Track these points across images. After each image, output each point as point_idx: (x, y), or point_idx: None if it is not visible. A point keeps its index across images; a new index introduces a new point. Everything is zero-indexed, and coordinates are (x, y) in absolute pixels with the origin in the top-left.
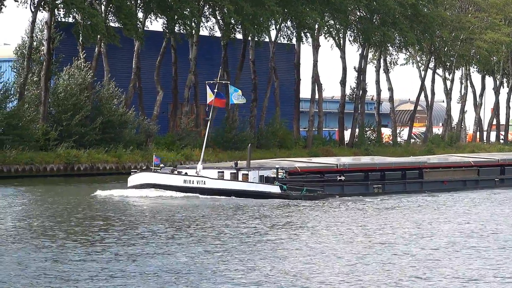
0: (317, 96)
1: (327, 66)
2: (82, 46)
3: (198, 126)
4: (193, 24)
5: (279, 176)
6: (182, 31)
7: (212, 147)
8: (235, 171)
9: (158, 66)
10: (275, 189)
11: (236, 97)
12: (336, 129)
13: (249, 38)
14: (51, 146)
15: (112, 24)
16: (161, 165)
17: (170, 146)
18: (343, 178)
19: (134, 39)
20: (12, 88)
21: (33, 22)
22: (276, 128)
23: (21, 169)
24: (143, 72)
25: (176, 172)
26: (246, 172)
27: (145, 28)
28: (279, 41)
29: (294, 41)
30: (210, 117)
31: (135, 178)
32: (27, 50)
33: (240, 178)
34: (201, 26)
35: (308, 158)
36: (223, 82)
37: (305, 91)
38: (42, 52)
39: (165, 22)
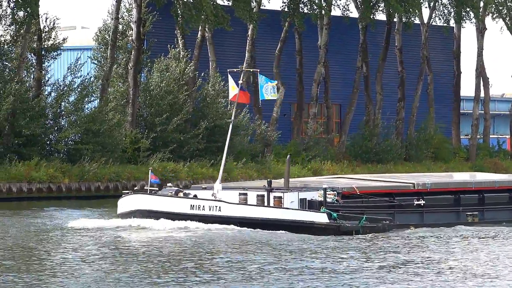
0: (482, 94)
1: (495, 55)
2: (182, 31)
3: (329, 133)
4: (322, 2)
5: (329, 200)
6: (308, 11)
7: (347, 159)
8: (264, 193)
9: (278, 56)
10: (320, 217)
11: (269, 90)
12: (507, 137)
13: (395, 20)
14: (142, 158)
15: (219, 2)
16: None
17: (293, 158)
18: (422, 202)
19: (247, 22)
20: (92, 84)
21: (119, 0)
22: (429, 135)
23: (103, 187)
24: (258, 63)
25: (181, 194)
26: (279, 195)
27: (261, 7)
28: (433, 23)
29: (452, 23)
30: (232, 117)
31: (125, 203)
32: (111, 36)
33: (271, 202)
34: (333, 5)
35: (410, 174)
36: (251, 70)
37: (467, 87)
38: (130, 38)
39: (286, 1)
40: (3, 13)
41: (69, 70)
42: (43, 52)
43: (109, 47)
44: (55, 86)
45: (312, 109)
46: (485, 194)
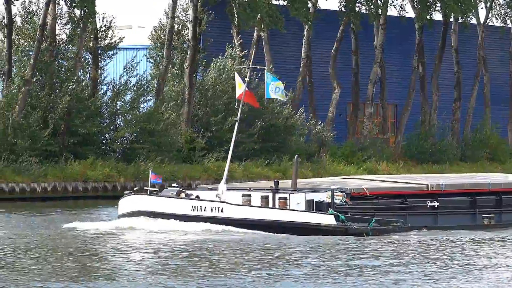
0: None
1: None
2: (238, 30)
3: (385, 133)
4: (379, 2)
5: (337, 201)
6: (365, 11)
7: (402, 159)
8: (269, 194)
9: (334, 56)
10: (327, 219)
11: (274, 89)
12: None
13: (451, 20)
14: (197, 157)
15: (275, 2)
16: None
17: (348, 158)
18: (436, 204)
19: (303, 22)
20: (148, 84)
21: None
22: (485, 135)
23: (158, 187)
24: (314, 63)
25: (183, 195)
26: (284, 196)
27: (317, 7)
28: (489, 23)
29: (509, 23)
30: (238, 116)
31: (125, 203)
32: (167, 35)
33: (276, 203)
34: (389, 5)
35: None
36: (258, 67)
37: None
38: (186, 38)
39: (343, 0)
40: (59, 12)
41: (125, 69)
42: (99, 51)
43: (165, 47)
44: (111, 85)
45: (368, 109)
46: (502, 195)
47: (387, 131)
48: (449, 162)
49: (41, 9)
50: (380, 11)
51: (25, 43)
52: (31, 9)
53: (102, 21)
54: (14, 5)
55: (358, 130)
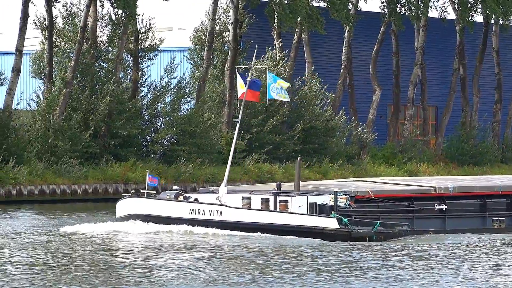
0: None
1: None
2: (278, 32)
3: (425, 135)
4: (419, 3)
5: (341, 204)
6: (405, 13)
7: (443, 161)
8: (269, 197)
9: (375, 58)
10: (329, 222)
11: (276, 90)
12: None
13: (492, 21)
14: (238, 159)
15: (315, 4)
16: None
17: (389, 160)
18: (444, 207)
19: (343, 24)
20: (188, 85)
21: (216, 0)
22: None
23: (198, 188)
24: (355, 64)
25: (182, 198)
26: (285, 199)
27: (358, 9)
28: None
29: None
30: (239, 116)
31: (122, 207)
32: (208, 37)
33: (277, 206)
34: (430, 6)
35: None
36: (260, 67)
37: None
38: (227, 39)
39: (384, 1)
40: (100, 14)
41: (165, 71)
42: (140, 53)
43: (205, 48)
44: (151, 87)
45: (409, 111)
46: None
47: (428, 133)
48: (490, 164)
49: (82, 11)
50: (421, 12)
51: (66, 45)
52: (72, 11)
53: (142, 22)
54: (55, 7)
55: (398, 132)
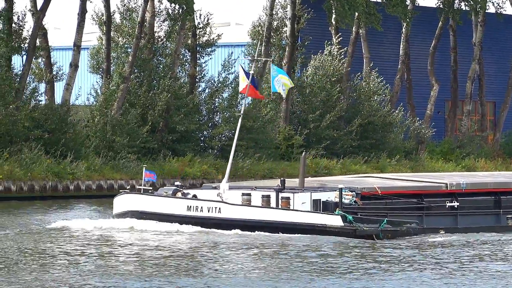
0: None
1: None
2: (336, 28)
3: (483, 130)
4: None
5: (346, 201)
6: (463, 8)
7: (501, 156)
8: (270, 193)
9: (433, 53)
10: (333, 220)
11: (279, 83)
12: None
13: None
14: (295, 154)
15: None
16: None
17: (447, 155)
18: (456, 204)
19: (401, 20)
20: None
21: None
22: None
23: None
24: (413, 60)
25: (180, 194)
26: (287, 195)
27: (415, 4)
28: None
29: None
30: (241, 111)
31: (118, 203)
32: (265, 32)
33: (279, 203)
34: (488, 1)
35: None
36: (263, 59)
37: None
38: (284, 35)
39: None
40: (158, 9)
41: (223, 67)
42: (197, 48)
43: (263, 44)
44: (209, 82)
45: (466, 106)
46: None
47: (486, 128)
48: None
49: (139, 6)
50: (479, 7)
51: (124, 40)
52: (129, 6)
53: (200, 18)
54: (113, 3)
55: (456, 127)
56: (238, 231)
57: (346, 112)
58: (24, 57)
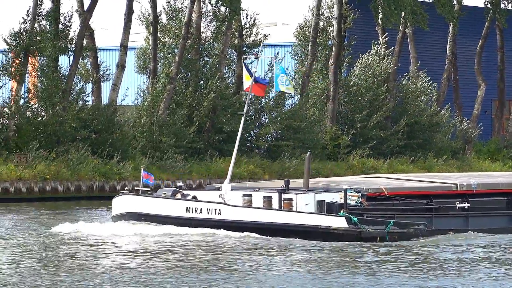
0: None
1: None
2: (383, 27)
3: None
4: None
5: (352, 202)
6: (510, 8)
7: None
8: (271, 194)
9: (479, 52)
10: (337, 221)
11: (284, 81)
12: None
13: None
14: (342, 154)
15: None
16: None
17: (494, 155)
18: (467, 205)
19: (448, 21)
20: (293, 80)
21: None
22: None
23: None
24: (459, 59)
25: (179, 195)
26: (289, 196)
27: (462, 4)
28: None
29: None
30: (245, 110)
31: (116, 205)
32: (312, 32)
33: (281, 205)
34: None
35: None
36: (266, 57)
37: None
38: (331, 35)
39: None
40: (204, 10)
41: (269, 67)
42: (244, 49)
43: (309, 44)
44: None
45: None
46: None
47: None
48: None
49: (186, 7)
50: None
51: (170, 40)
52: (176, 6)
53: (247, 18)
54: (163, 6)
55: (503, 127)
56: (238, 233)
57: (393, 112)
58: (71, 57)
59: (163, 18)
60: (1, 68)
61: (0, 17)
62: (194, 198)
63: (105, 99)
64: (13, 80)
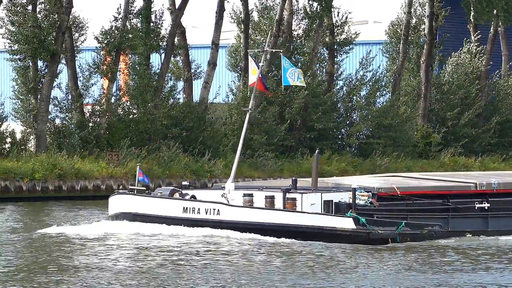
0: None
1: None
2: (474, 25)
3: None
4: None
5: (361, 202)
6: None
7: None
8: (274, 194)
9: None
10: (344, 222)
11: (295, 76)
12: None
13: None
14: (433, 152)
15: None
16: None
17: None
18: (486, 205)
19: None
20: (384, 78)
21: None
22: None
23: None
24: None
25: (178, 195)
26: (293, 196)
27: None
28: None
29: None
30: (250, 105)
31: (112, 204)
32: (403, 30)
33: (285, 204)
34: None
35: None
36: (273, 50)
37: None
38: (422, 32)
39: None
40: (296, 8)
41: (361, 65)
42: (335, 46)
43: (401, 42)
44: (347, 80)
45: None
46: None
47: None
48: None
49: (277, 4)
50: None
51: (262, 38)
52: (267, 4)
53: (338, 16)
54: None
55: None
56: (237, 233)
57: (484, 110)
58: (163, 55)
59: (255, 16)
60: (93, 66)
61: (91, 15)
62: (193, 197)
63: (196, 97)
64: (104, 78)
